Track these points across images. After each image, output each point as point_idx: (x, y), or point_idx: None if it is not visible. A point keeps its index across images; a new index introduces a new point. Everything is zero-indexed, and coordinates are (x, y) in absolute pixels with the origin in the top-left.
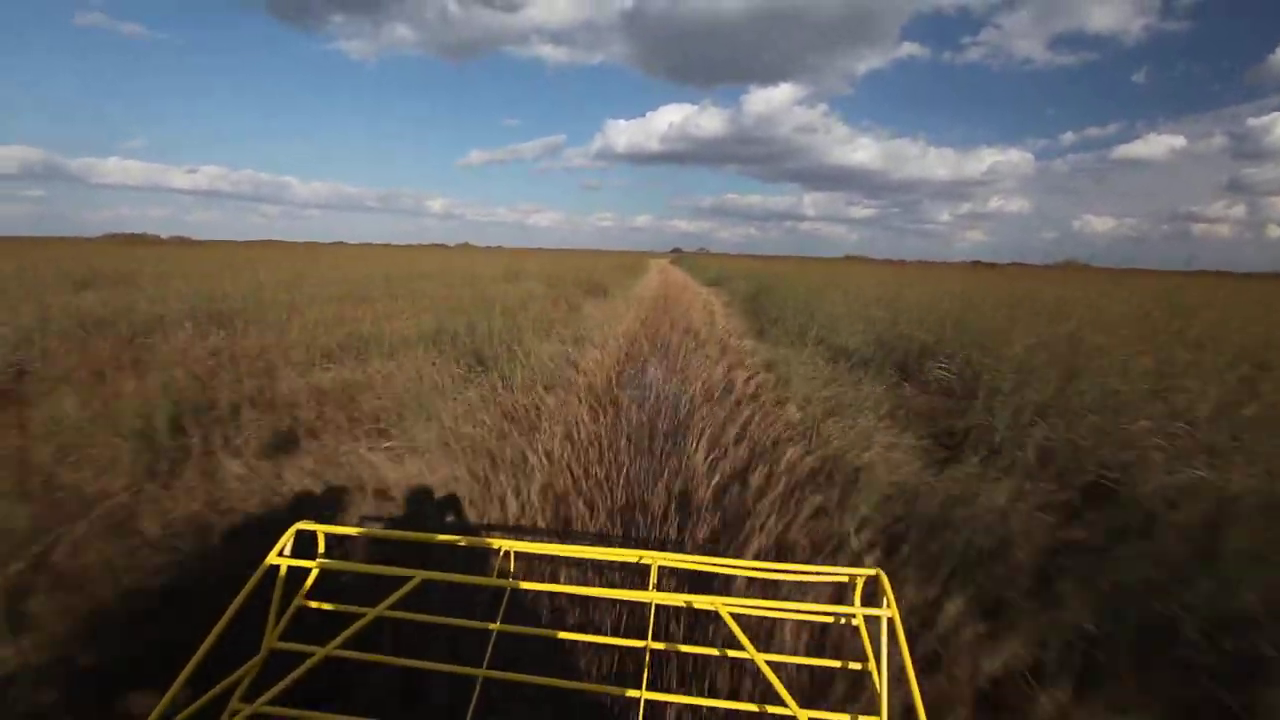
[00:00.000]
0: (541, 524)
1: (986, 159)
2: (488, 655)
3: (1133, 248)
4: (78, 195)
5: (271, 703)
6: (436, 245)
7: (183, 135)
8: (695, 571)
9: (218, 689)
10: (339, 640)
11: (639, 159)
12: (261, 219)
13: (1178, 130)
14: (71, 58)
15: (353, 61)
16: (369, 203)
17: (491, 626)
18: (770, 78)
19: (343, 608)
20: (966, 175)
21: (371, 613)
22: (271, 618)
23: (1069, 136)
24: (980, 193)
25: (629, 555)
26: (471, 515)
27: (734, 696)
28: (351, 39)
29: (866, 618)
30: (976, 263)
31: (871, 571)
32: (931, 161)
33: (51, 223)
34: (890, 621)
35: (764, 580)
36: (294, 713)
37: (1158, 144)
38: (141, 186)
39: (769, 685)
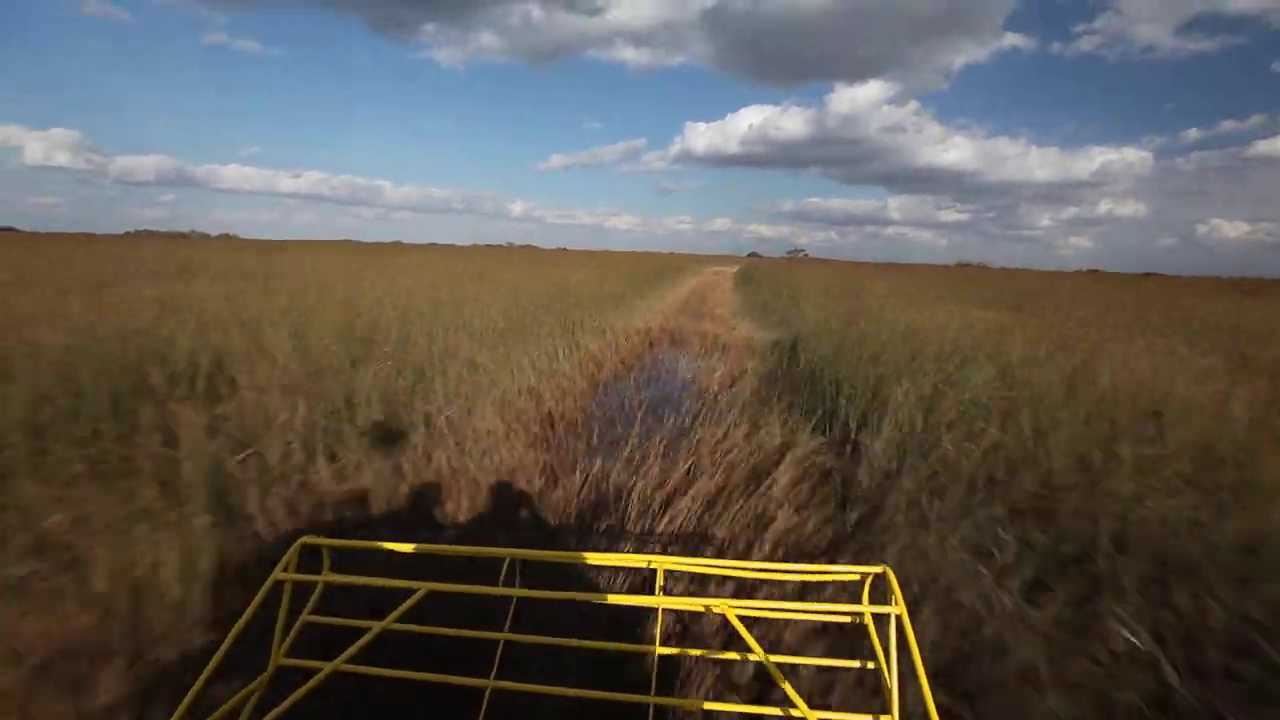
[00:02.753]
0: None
1: (1096, 159)
2: (495, 665)
3: (1271, 255)
4: (203, 199)
5: (279, 718)
6: (494, 247)
7: (290, 142)
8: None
9: (226, 707)
10: (346, 655)
11: (718, 161)
12: (356, 221)
13: None
14: (200, 73)
15: (443, 69)
16: (455, 205)
17: (499, 636)
18: (857, 75)
19: (349, 622)
20: (1073, 177)
21: (378, 626)
22: (278, 634)
23: (1194, 133)
24: (1089, 195)
25: (636, 561)
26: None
27: (743, 700)
28: (442, 47)
29: (875, 616)
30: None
31: (879, 569)
32: (1032, 162)
33: (179, 224)
34: (898, 619)
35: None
36: None
37: None
38: (257, 191)
39: (778, 687)
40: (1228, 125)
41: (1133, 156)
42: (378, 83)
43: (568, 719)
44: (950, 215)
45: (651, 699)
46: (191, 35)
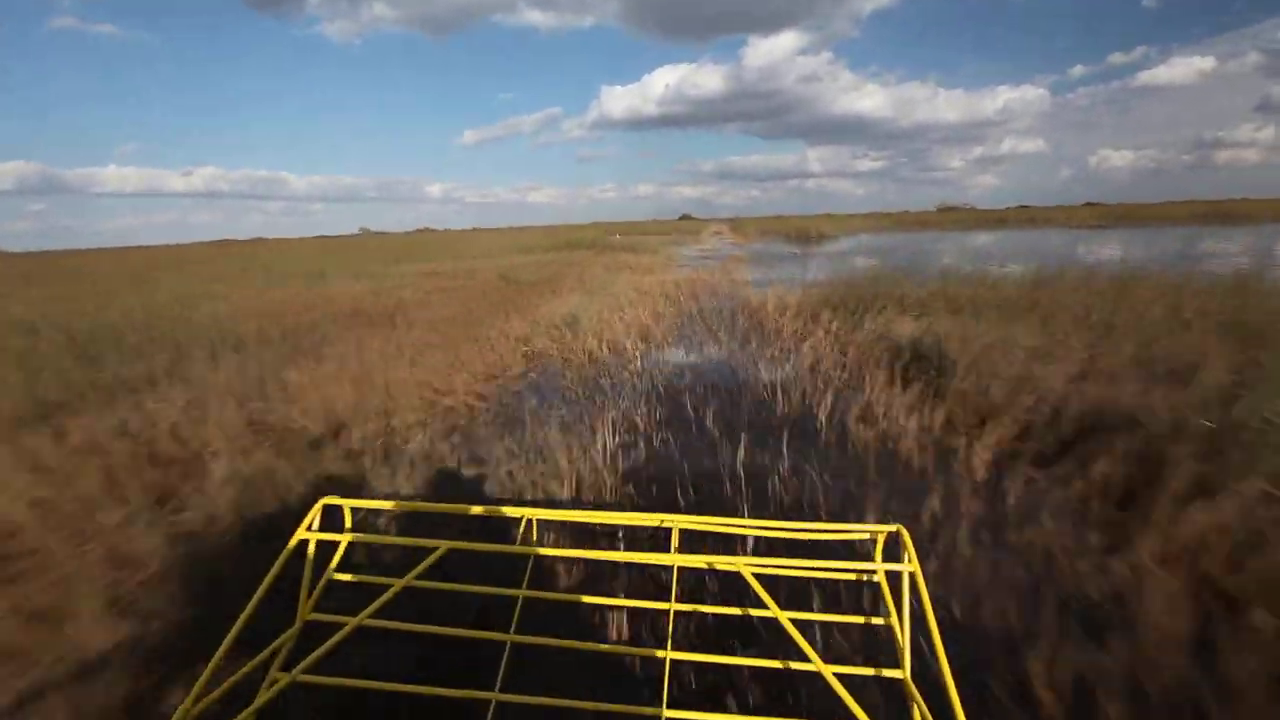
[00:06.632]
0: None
1: (1000, 98)
2: (514, 620)
3: (1152, 181)
4: (80, 206)
5: (308, 670)
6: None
7: (175, 137)
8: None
9: (257, 660)
10: (370, 610)
11: (637, 125)
12: (263, 216)
13: (1207, 50)
14: (52, 65)
15: (336, 46)
16: (368, 192)
17: (517, 593)
18: (771, 26)
19: (372, 579)
20: (979, 117)
21: (399, 583)
22: (304, 590)
23: (1084, 68)
24: (993, 134)
25: (650, 520)
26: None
27: (757, 655)
28: (332, 21)
29: (888, 573)
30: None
31: (893, 528)
32: (941, 105)
33: (57, 236)
34: (911, 576)
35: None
36: (330, 679)
37: (1184, 68)
38: (143, 193)
39: (792, 643)
40: (1117, 58)
41: (1032, 94)
42: (266, 65)
43: (585, 674)
44: (866, 164)
45: (668, 654)
46: (33, 20)
